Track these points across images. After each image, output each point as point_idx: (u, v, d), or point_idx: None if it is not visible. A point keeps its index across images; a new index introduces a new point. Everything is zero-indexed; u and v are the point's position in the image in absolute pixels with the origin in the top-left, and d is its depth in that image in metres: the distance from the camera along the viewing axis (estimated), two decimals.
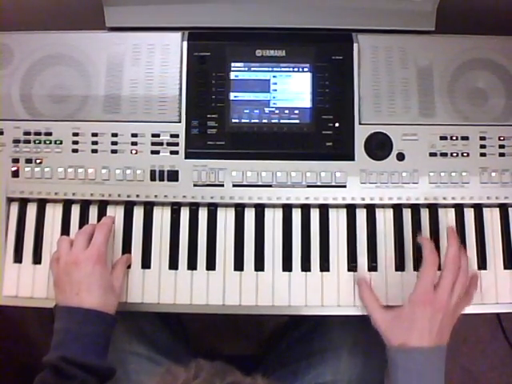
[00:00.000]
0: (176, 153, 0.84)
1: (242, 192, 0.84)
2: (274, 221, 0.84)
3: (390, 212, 0.85)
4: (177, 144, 0.84)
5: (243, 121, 0.85)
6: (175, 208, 0.84)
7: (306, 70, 0.86)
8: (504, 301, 0.83)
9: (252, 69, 0.86)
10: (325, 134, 0.84)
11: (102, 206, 0.85)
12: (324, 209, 0.85)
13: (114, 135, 0.85)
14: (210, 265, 0.83)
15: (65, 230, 0.84)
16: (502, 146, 0.85)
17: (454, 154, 0.85)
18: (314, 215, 0.84)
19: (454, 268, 0.74)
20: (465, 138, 0.85)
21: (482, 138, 0.85)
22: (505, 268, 0.84)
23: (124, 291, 0.82)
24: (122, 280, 0.80)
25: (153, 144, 0.84)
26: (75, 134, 0.85)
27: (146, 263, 0.83)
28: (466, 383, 1.44)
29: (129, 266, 0.83)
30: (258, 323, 1.37)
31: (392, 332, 0.74)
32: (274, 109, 0.85)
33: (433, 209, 0.85)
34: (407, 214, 0.85)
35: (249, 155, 0.84)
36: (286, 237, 0.84)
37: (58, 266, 0.77)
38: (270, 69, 0.86)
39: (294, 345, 0.93)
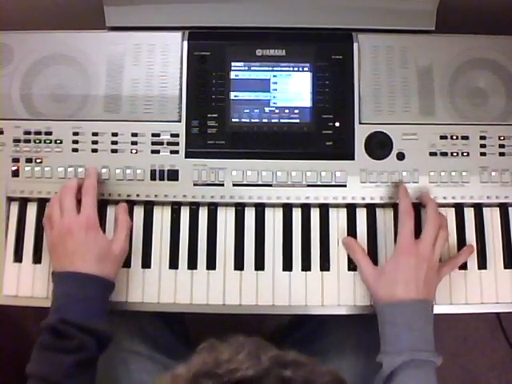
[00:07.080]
0: (176, 152, 0.84)
1: (242, 191, 0.84)
2: (274, 220, 0.84)
3: (390, 211, 0.85)
4: (177, 143, 0.84)
5: (243, 120, 0.85)
6: (175, 207, 0.84)
7: (306, 69, 0.86)
8: (504, 300, 0.83)
9: (252, 68, 0.86)
10: (325, 134, 0.84)
11: (102, 205, 0.84)
12: (324, 208, 0.84)
13: (114, 135, 0.85)
14: (210, 264, 0.83)
15: None
16: (502, 146, 0.85)
17: (454, 154, 0.85)
18: (314, 215, 0.84)
19: (435, 224, 0.77)
20: (465, 138, 0.85)
21: (482, 138, 0.85)
22: (505, 267, 0.84)
23: (125, 285, 0.82)
24: (124, 243, 0.79)
25: (153, 143, 0.84)
26: (75, 134, 0.85)
27: (146, 263, 0.83)
28: (466, 383, 1.44)
29: (129, 266, 0.83)
30: (259, 323, 1.37)
31: (379, 286, 0.76)
32: (274, 108, 0.85)
33: None
34: None
35: (249, 154, 0.84)
36: (286, 236, 0.84)
37: (52, 233, 0.77)
38: (270, 68, 0.86)
39: (296, 345, 0.92)
